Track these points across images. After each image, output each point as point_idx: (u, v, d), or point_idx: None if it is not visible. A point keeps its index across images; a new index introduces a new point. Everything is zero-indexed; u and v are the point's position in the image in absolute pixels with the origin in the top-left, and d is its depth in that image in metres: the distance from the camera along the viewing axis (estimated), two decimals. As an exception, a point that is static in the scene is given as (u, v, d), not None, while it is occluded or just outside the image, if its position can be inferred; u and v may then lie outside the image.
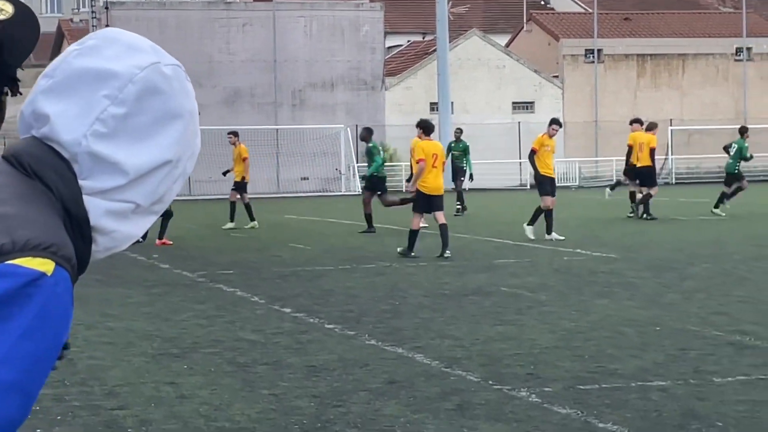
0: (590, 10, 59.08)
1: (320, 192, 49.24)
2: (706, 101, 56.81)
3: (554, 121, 22.51)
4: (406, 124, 47.04)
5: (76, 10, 70.50)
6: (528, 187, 50.19)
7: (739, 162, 28.48)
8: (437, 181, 18.93)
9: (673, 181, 53.44)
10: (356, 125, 50.29)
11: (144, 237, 19.84)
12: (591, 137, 54.62)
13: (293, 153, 49.91)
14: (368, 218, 24.66)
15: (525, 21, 60.59)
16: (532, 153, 22.12)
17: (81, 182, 1.70)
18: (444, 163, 19.75)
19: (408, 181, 20.97)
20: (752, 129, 54.56)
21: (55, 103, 1.70)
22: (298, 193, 48.39)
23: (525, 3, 61.19)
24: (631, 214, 27.52)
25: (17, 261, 1.58)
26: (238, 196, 26.57)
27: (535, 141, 22.49)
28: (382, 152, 26.01)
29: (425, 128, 19.28)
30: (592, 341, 10.56)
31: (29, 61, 1.98)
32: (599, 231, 23.91)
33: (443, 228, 18.58)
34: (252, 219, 26.45)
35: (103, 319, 12.38)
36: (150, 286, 15.47)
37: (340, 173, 49.63)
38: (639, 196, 27.37)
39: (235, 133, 27.18)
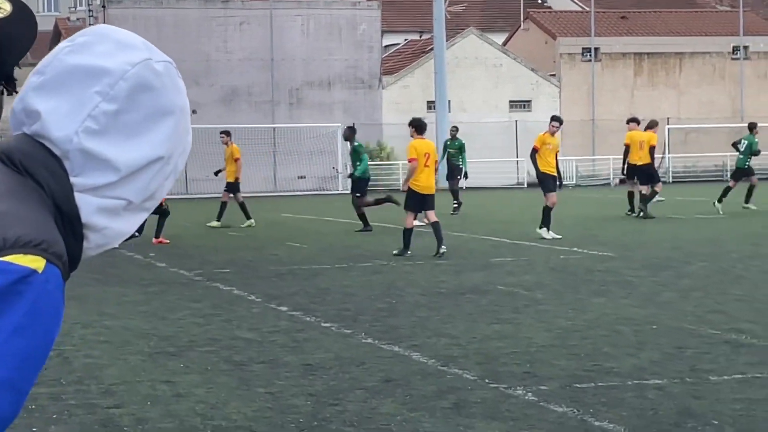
0: (587, 9, 59.06)
1: (317, 191, 49.23)
2: (703, 100, 56.82)
3: (554, 118, 22.50)
4: (403, 123, 46.62)
5: (73, 9, 70.43)
6: (525, 185, 50.21)
7: (750, 157, 28.61)
8: (429, 180, 19.04)
9: (670, 179, 53.43)
10: (353, 123, 50.27)
11: (140, 231, 19.83)
12: (588, 136, 54.63)
13: (290, 151, 49.89)
14: (362, 218, 24.64)
15: (522, 19, 60.59)
16: (534, 152, 22.12)
17: (72, 179, 1.70)
18: (437, 161, 19.84)
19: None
20: (749, 127, 54.71)
21: (47, 100, 1.70)
22: (295, 192, 48.38)
23: (522, 1, 61.20)
24: (632, 213, 27.52)
25: (8, 258, 1.58)
26: (231, 196, 26.56)
27: (536, 139, 22.49)
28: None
29: (417, 127, 19.40)
30: (588, 340, 10.56)
31: (26, 60, 1.98)
32: (596, 229, 23.92)
33: (435, 225, 18.68)
34: (248, 217, 26.42)
35: (100, 318, 12.38)
36: (146, 285, 15.47)
37: (338, 172, 49.60)
38: (637, 194, 27.39)
39: (227, 133, 27.12)
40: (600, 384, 8.64)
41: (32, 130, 1.71)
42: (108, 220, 1.73)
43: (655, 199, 28.16)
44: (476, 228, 25.00)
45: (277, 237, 23.83)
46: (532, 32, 58.55)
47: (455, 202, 30.51)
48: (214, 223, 26.47)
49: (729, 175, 29.13)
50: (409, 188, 19.09)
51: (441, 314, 12.33)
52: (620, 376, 8.89)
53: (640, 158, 26.99)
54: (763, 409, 7.80)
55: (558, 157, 22.32)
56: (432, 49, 50.05)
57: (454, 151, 31.53)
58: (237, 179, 26.48)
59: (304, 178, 49.98)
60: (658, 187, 27.50)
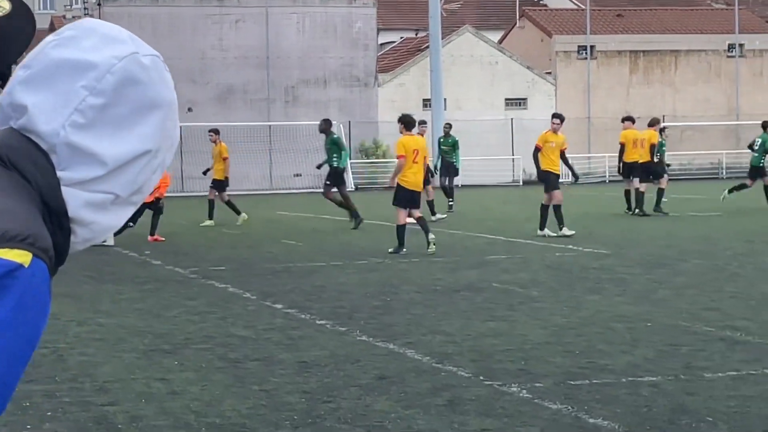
0: (583, 7, 59.06)
1: (313, 188, 49.18)
2: (699, 98, 56.85)
3: (554, 116, 22.52)
4: (399, 121, 46.93)
5: (69, 7, 70.32)
6: (521, 183, 50.22)
7: (765, 156, 28.76)
8: (417, 177, 19.15)
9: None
10: (349, 122, 50.28)
11: (134, 222, 19.78)
12: (584, 133, 54.64)
13: (286, 149, 49.85)
14: (341, 205, 24.80)
15: (518, 17, 60.60)
16: (537, 150, 22.13)
17: (59, 173, 1.69)
18: (426, 158, 19.96)
19: None
20: (744, 126, 54.80)
21: (33, 94, 1.69)
22: (290, 190, 48.35)
23: (518, -1, 61.19)
24: (629, 212, 27.54)
25: (-6, 252, 1.57)
26: (217, 194, 26.56)
27: (539, 138, 22.51)
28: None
29: (406, 123, 19.59)
30: (583, 337, 10.57)
31: (23, 58, 1.97)
32: (591, 227, 23.92)
33: (420, 220, 18.93)
34: (238, 213, 26.35)
35: (95, 316, 12.37)
36: (141, 283, 15.46)
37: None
38: (633, 192, 27.44)
39: (216, 131, 27.14)
40: (594, 381, 8.64)
41: (19, 124, 1.70)
42: (95, 215, 1.72)
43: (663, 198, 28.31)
44: (471, 225, 25.01)
45: (272, 235, 23.82)
46: (527, 30, 58.55)
47: (450, 200, 30.50)
48: (207, 222, 26.45)
49: (747, 174, 29.46)
50: (398, 184, 19.22)
51: (436, 311, 12.33)
52: (615, 374, 8.89)
53: (640, 156, 27.07)
54: (757, 406, 7.80)
55: (566, 154, 22.32)
56: (428, 46, 50.02)
57: (447, 149, 31.53)
58: (226, 178, 26.50)
59: (300, 176, 49.95)
60: (663, 183, 27.67)
